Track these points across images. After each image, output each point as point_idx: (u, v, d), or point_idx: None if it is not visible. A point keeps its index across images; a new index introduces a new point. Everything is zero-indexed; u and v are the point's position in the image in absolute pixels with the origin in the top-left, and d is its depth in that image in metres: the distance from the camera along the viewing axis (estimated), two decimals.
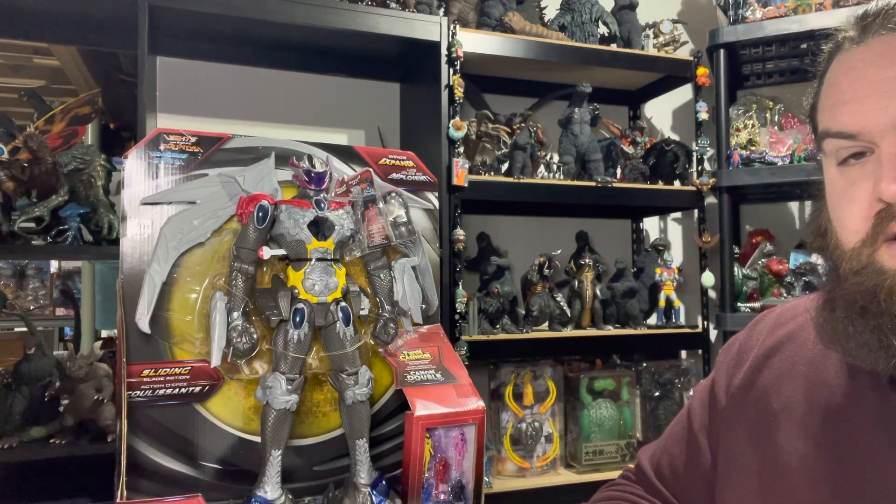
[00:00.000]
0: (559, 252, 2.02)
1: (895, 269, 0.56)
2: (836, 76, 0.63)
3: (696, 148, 2.14)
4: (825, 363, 0.69)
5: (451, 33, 1.80)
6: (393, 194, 1.10)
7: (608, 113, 2.33)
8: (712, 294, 2.19)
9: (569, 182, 1.97)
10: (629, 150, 2.18)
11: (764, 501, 0.69)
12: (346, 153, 1.13)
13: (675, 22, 2.20)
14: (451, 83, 1.79)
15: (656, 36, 2.19)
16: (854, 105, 0.60)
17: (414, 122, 2.06)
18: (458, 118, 1.78)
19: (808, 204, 2.56)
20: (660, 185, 2.10)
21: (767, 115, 2.26)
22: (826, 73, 0.65)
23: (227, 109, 1.99)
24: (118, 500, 0.87)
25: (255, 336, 0.98)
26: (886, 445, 0.61)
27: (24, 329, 1.63)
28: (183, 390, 0.97)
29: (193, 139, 1.02)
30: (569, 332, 1.96)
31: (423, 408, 0.99)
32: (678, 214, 2.50)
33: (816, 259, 2.08)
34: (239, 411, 1.01)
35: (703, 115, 2.12)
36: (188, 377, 0.97)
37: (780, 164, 2.09)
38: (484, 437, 1.05)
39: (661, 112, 2.51)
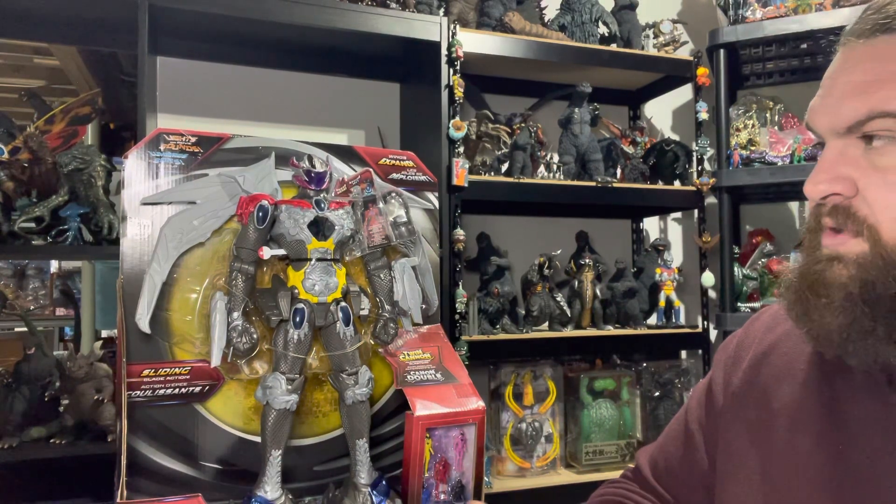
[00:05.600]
0: (559, 252, 2.02)
1: (826, 257, 0.60)
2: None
3: (696, 148, 2.14)
4: (824, 361, 0.69)
5: (451, 33, 1.80)
6: (393, 194, 1.10)
7: (608, 113, 2.33)
8: (712, 294, 2.19)
9: (569, 182, 1.97)
10: (629, 150, 2.18)
11: (764, 502, 0.69)
12: (346, 153, 1.13)
13: (675, 22, 2.20)
14: (451, 83, 1.79)
15: (656, 36, 2.19)
16: (815, 102, 0.64)
17: (414, 122, 2.06)
18: (458, 118, 1.78)
19: (808, 204, 2.56)
20: (660, 185, 2.10)
21: (767, 115, 2.26)
22: None
23: (227, 109, 1.99)
24: (118, 500, 0.87)
25: (255, 336, 0.98)
26: (885, 446, 0.61)
27: (24, 329, 1.63)
28: (183, 390, 0.97)
29: (193, 139, 1.02)
30: (569, 332, 1.96)
31: (423, 408, 0.99)
32: (678, 214, 2.50)
33: None
34: (239, 411, 1.01)
35: (703, 115, 2.12)
36: (188, 377, 0.97)
37: (780, 164, 2.09)
38: (484, 437, 1.05)
39: (661, 112, 2.51)
